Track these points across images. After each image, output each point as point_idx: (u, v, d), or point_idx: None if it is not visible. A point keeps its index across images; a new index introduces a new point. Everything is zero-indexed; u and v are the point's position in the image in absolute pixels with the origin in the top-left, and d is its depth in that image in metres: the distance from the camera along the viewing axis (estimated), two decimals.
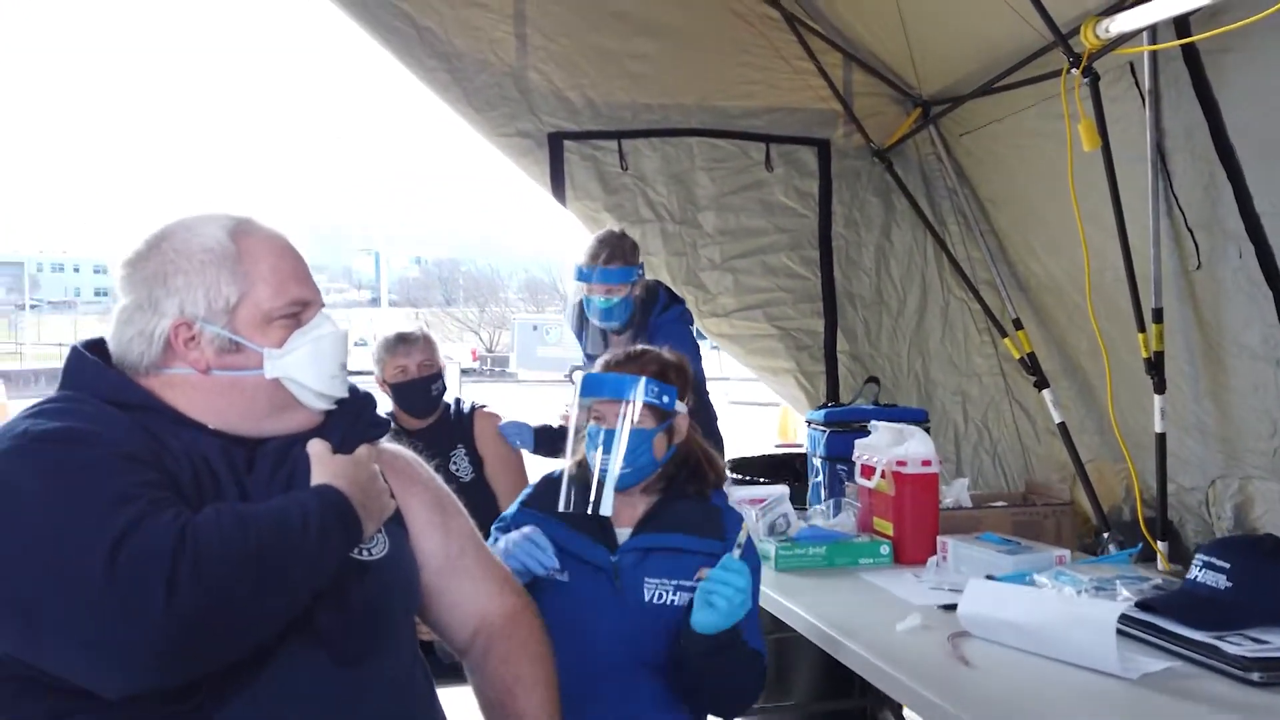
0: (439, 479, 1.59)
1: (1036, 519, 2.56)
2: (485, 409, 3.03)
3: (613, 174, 4.09)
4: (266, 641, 1.20)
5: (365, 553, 1.34)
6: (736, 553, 1.74)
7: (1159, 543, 3.47)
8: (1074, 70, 3.07)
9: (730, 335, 4.22)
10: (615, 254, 3.21)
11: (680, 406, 1.92)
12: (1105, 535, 3.63)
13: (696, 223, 4.18)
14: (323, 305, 1.43)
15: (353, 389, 1.46)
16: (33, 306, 52.06)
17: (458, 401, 3.02)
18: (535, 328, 29.22)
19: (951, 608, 2.02)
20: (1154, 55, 3.03)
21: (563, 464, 1.98)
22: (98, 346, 1.37)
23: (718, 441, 3.43)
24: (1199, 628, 1.79)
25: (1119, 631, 1.66)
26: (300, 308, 1.38)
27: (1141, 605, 1.85)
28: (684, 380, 1.96)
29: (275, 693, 1.21)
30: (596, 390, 1.94)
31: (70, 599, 1.06)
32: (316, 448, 1.34)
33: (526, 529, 1.87)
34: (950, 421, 4.32)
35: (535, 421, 3.25)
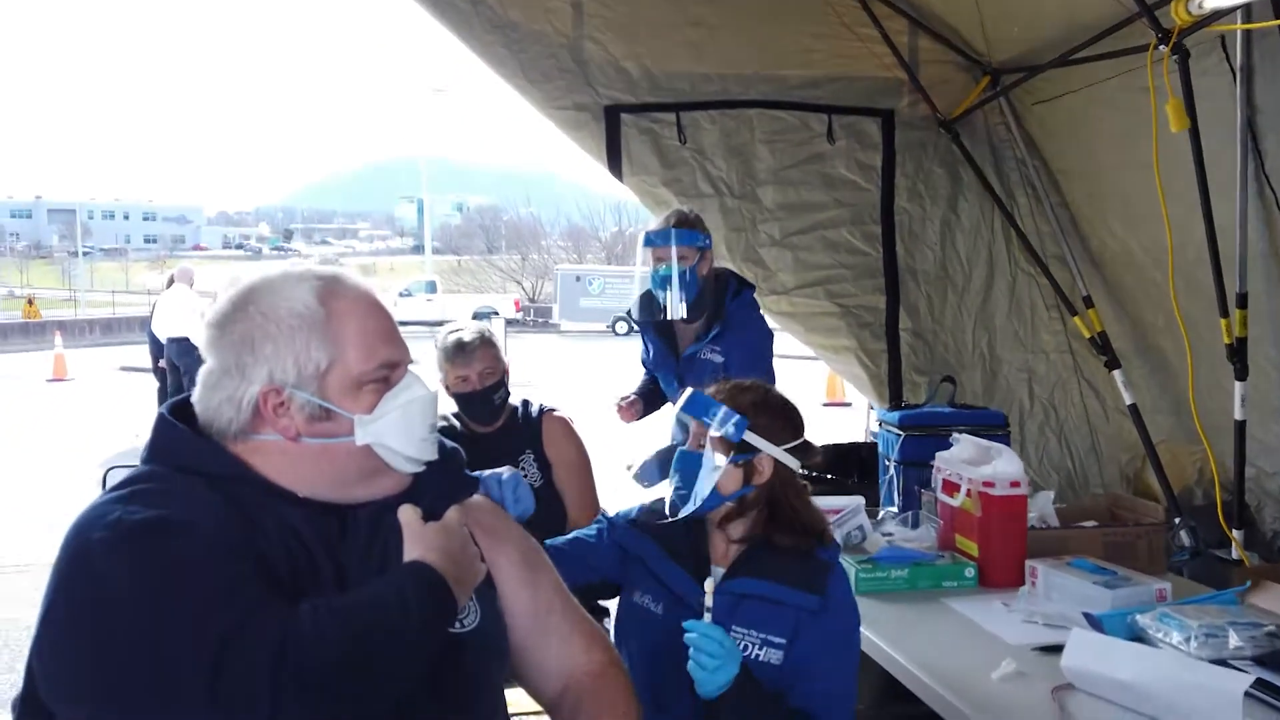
0: (522, 531, 1.54)
1: (1128, 540, 2.45)
2: (555, 412, 2.92)
3: (671, 147, 3.99)
4: None
5: (459, 624, 1.31)
6: (707, 616, 1.69)
7: (1234, 530, 3.38)
8: (1162, 47, 2.92)
9: (790, 313, 4.13)
10: (684, 220, 3.18)
11: (764, 446, 1.84)
12: (1177, 520, 3.54)
13: (756, 197, 4.07)
14: (411, 362, 1.38)
15: (441, 446, 1.42)
16: (85, 253, 52.81)
17: (525, 404, 2.92)
18: (578, 279, 29.12)
19: (1049, 650, 1.95)
20: (1248, 30, 2.87)
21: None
22: (184, 410, 1.34)
23: None
24: None
25: None
26: (389, 370, 1.33)
27: (1259, 661, 1.77)
28: (778, 423, 1.87)
29: None
30: (685, 406, 1.88)
31: (171, 713, 1.05)
32: (407, 516, 1.30)
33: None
34: (1015, 399, 4.22)
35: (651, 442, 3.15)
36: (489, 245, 49.06)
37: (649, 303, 3.26)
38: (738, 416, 1.82)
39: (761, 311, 3.44)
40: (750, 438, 1.83)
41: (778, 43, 4.01)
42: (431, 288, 31.28)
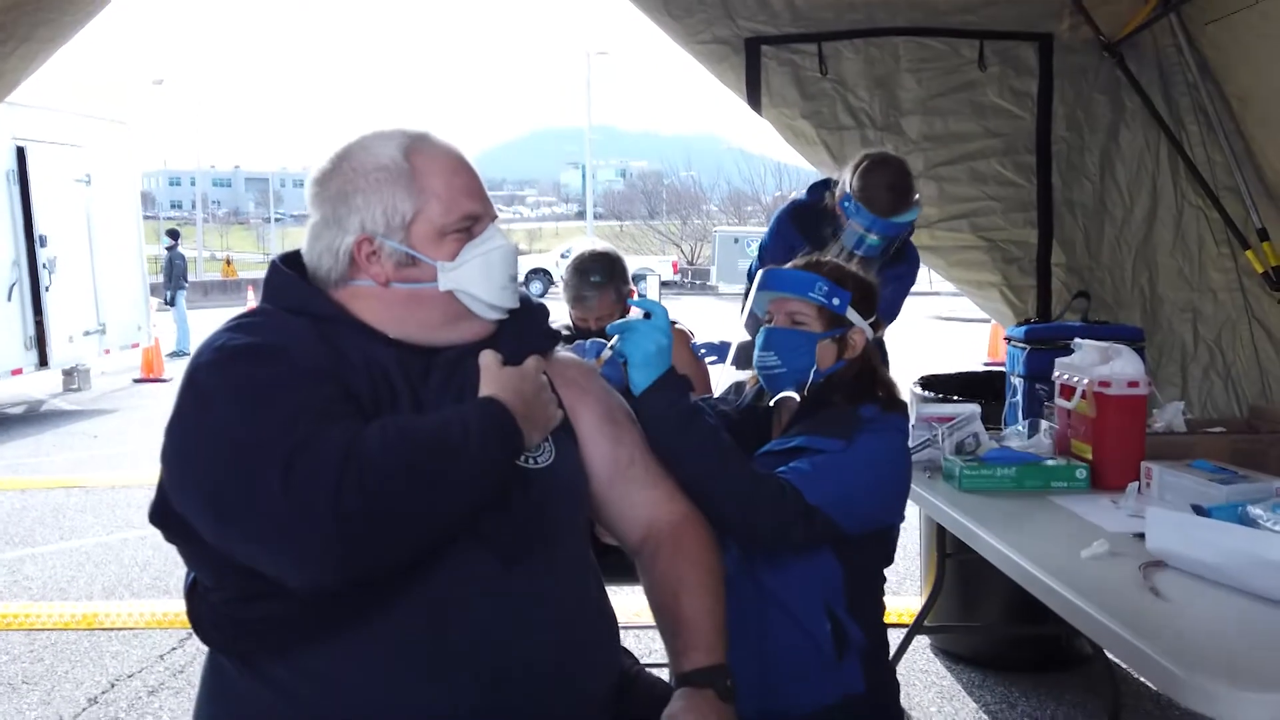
0: (612, 391, 1.61)
1: (1260, 447, 2.27)
2: (676, 325, 2.97)
3: (811, 79, 3.92)
4: (436, 546, 1.27)
5: (531, 461, 1.39)
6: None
7: None
8: None
9: (931, 247, 4.00)
10: (903, 198, 2.80)
11: (857, 319, 1.85)
12: None
13: (899, 129, 3.96)
14: (494, 218, 1.47)
15: (525, 300, 1.52)
16: (277, 219, 56.36)
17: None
18: (736, 240, 28.93)
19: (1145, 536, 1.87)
20: None
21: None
22: (294, 260, 1.47)
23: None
24: None
25: None
26: (472, 221, 1.43)
27: None
28: (864, 294, 1.88)
29: (442, 592, 1.28)
30: (767, 284, 1.90)
31: (251, 506, 1.17)
32: (487, 359, 1.39)
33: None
34: (1178, 341, 3.98)
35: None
36: (650, 210, 49.32)
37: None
38: (838, 289, 1.84)
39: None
40: (850, 313, 1.84)
41: None
42: None
